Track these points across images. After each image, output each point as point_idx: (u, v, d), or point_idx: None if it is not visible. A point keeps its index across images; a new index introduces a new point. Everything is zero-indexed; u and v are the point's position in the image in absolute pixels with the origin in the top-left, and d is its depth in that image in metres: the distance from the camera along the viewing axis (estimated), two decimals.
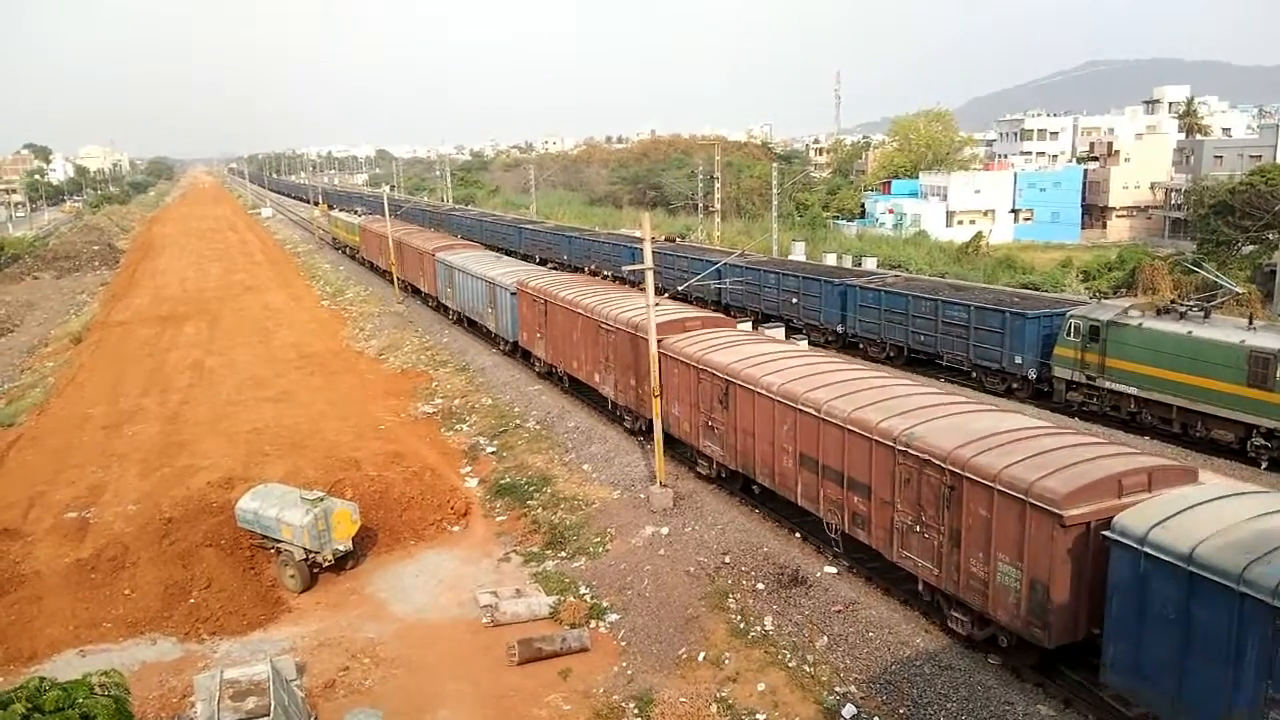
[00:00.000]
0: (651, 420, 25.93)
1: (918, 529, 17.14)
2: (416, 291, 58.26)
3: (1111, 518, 13.71)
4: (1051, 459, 15.30)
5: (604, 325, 30.02)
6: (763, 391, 21.44)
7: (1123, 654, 13.58)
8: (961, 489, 15.95)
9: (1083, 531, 14.21)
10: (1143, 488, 14.62)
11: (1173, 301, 28.45)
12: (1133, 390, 27.08)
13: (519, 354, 40.47)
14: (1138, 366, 26.79)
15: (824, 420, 19.31)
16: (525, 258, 64.32)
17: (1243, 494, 14.29)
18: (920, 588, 17.76)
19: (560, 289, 35.09)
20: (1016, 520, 14.95)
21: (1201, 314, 26.36)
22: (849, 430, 18.61)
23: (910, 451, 16.99)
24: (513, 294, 38.98)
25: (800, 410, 20.08)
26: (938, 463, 16.33)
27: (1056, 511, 14.17)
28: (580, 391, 34.23)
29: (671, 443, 26.24)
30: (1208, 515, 13.09)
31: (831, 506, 19.66)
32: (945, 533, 16.48)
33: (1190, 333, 25.46)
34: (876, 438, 17.82)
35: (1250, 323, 25.26)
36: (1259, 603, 11.50)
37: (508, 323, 40.23)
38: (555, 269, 56.04)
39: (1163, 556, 12.69)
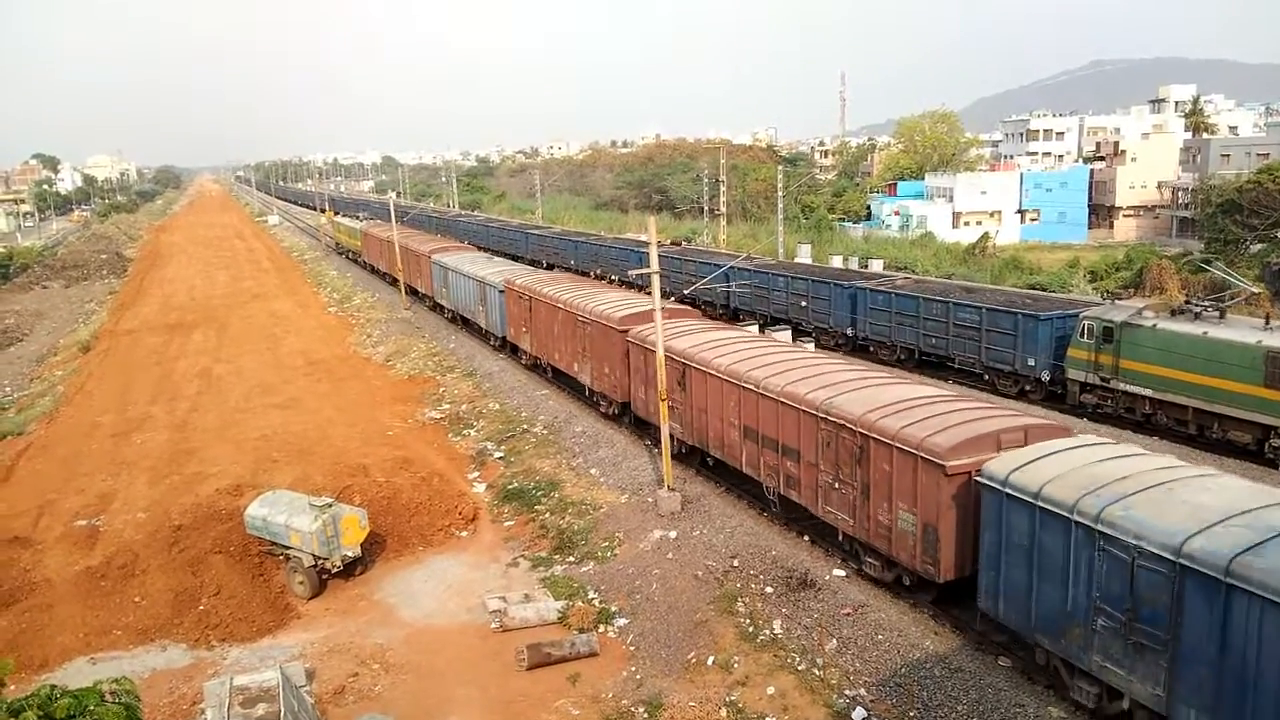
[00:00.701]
0: (627, 403, 29.30)
1: (837, 486, 19.58)
2: (416, 293, 59.53)
3: None
4: (943, 420, 17.67)
5: (581, 318, 32.46)
6: (712, 372, 24.00)
7: (992, 581, 16.02)
8: (869, 448, 18.31)
9: (965, 480, 16.47)
10: (1019, 443, 16.77)
11: (1187, 302, 28.00)
12: (1147, 392, 26.75)
13: (507, 348, 42.74)
14: (1152, 368, 26.47)
15: (762, 395, 21.77)
16: (533, 263, 64.40)
17: (1092, 444, 16.53)
18: (840, 538, 20.17)
19: (543, 286, 37.58)
20: (911, 473, 17.30)
21: (1217, 314, 26.00)
22: (782, 402, 21.09)
23: (830, 418, 19.44)
24: (501, 292, 41.40)
25: (743, 387, 22.59)
26: (851, 426, 18.79)
27: (941, 463, 16.54)
28: (562, 381, 36.49)
29: (640, 424, 29.43)
30: (1057, 461, 15.51)
31: (770, 471, 22.06)
32: (858, 487, 18.91)
33: (1206, 333, 25.12)
34: (804, 408, 20.29)
35: (1267, 323, 24.82)
36: (1086, 528, 13.95)
37: (497, 319, 42.56)
38: (562, 274, 56.52)
39: (1018, 495, 15.13)
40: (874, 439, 18.18)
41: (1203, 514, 13.12)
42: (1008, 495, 15.31)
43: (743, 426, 22.86)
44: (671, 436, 25.78)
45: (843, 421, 19.03)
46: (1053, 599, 14.77)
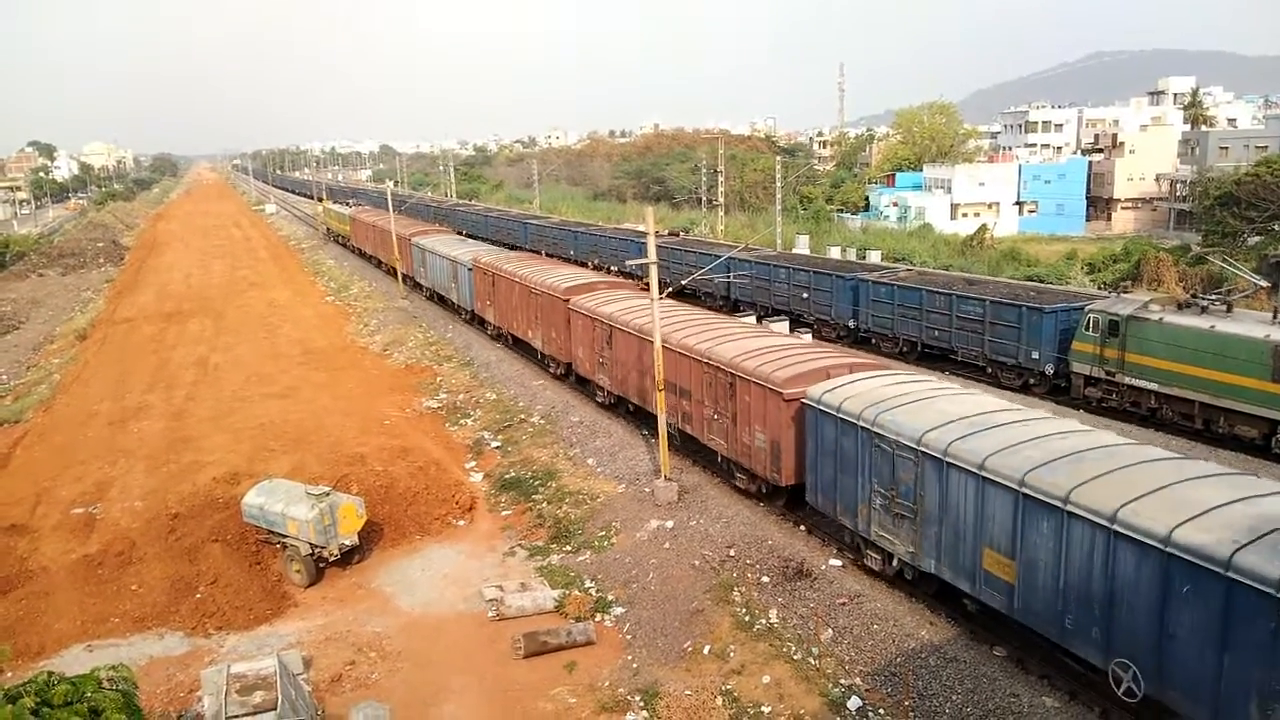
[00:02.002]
0: (570, 364, 34.00)
1: (715, 417, 24.22)
2: (395, 273, 62.69)
3: None
4: (789, 360, 22.40)
5: (533, 290, 37.15)
6: (631, 331, 28.57)
7: (814, 481, 20.56)
8: (736, 384, 22.96)
9: (799, 405, 20.81)
10: (844, 374, 21.22)
11: (1194, 296, 27.78)
12: (1153, 386, 26.53)
13: (475, 321, 47.56)
14: (1158, 362, 26.24)
15: (667, 348, 25.59)
16: (532, 253, 64.37)
17: (890, 374, 21.28)
18: (719, 460, 24.79)
19: (503, 264, 42.76)
20: (763, 401, 21.94)
21: (1224, 308, 25.77)
22: (680, 353, 25.56)
23: (710, 362, 24.10)
24: (469, 270, 46.30)
25: (652, 342, 25.73)
26: (724, 368, 23.42)
27: (780, 391, 21.24)
28: (521, 348, 41.06)
29: (581, 382, 33.78)
30: (860, 386, 19.97)
31: (671, 411, 26.20)
32: (729, 416, 23.47)
33: (1213, 327, 24.89)
34: (693, 356, 24.97)
35: (1275, 316, 24.59)
36: (867, 430, 18.45)
37: (466, 294, 47.57)
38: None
39: (827, 410, 19.58)
40: (739, 376, 22.82)
41: (943, 418, 17.45)
42: (821, 411, 19.78)
43: (652, 374, 26.25)
44: (603, 389, 31.16)
45: (719, 365, 23.67)
46: (850, 487, 19.28)
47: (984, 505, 15.82)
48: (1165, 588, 12.87)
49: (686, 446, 27.04)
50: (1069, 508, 14.20)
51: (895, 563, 18.48)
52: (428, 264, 55.12)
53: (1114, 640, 13.76)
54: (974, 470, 15.86)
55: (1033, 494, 14.80)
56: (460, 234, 73.26)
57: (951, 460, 16.35)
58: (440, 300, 54.15)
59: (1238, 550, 12.03)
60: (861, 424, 18.52)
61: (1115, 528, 13.48)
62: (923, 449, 16.96)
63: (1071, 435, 16.37)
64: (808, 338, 32.30)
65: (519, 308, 39.28)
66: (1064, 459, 15.16)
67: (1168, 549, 12.74)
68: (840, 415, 19.12)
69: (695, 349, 24.86)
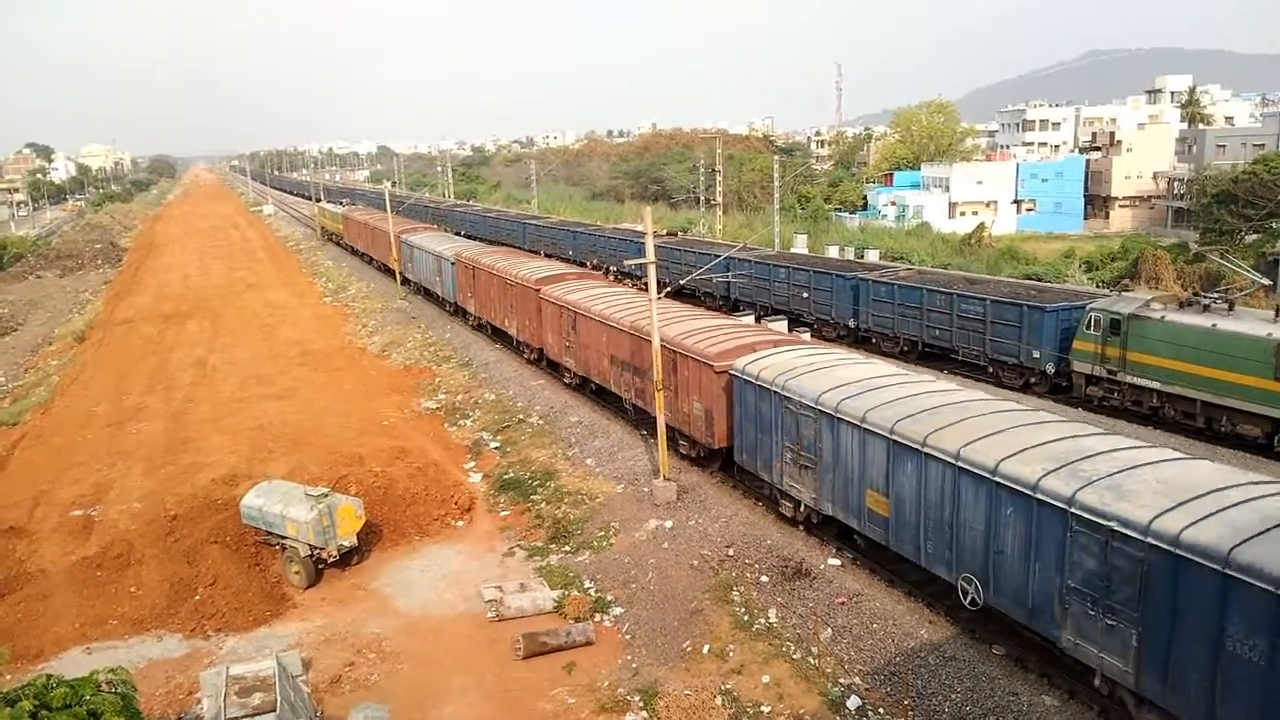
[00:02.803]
0: (541, 349, 36.91)
1: (676, 397, 26.22)
2: (388, 270, 65.28)
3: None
4: (721, 339, 25.07)
5: (508, 282, 40.08)
6: (594, 318, 30.97)
7: (740, 443, 23.30)
8: (678, 360, 25.51)
9: (728, 377, 23.34)
10: (770, 348, 23.75)
11: (1196, 294, 27.46)
12: (1155, 385, 26.40)
13: (459, 313, 49.76)
14: (1160, 360, 26.11)
15: (621, 330, 28.82)
16: (531, 253, 64.36)
17: (807, 348, 24.23)
18: (686, 449, 26.85)
19: (482, 258, 45.68)
20: (698, 374, 24.62)
21: (1225, 306, 25.62)
22: (633, 335, 28.15)
23: (682, 352, 25.70)
24: (452, 264, 49.02)
25: (610, 326, 29.69)
26: (669, 346, 25.59)
27: (712, 364, 23.86)
28: (499, 338, 43.87)
29: (552, 366, 36.56)
30: (778, 358, 22.56)
31: (627, 387, 29.30)
32: (674, 389, 25.93)
33: (1215, 326, 24.75)
34: (644, 336, 26.81)
35: (1277, 315, 24.45)
36: (779, 395, 21.04)
37: (450, 287, 50.17)
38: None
39: (750, 380, 22.23)
40: (679, 354, 25.38)
41: (838, 382, 20.22)
42: (745, 380, 22.46)
43: (610, 356, 30.09)
44: (569, 370, 34.07)
45: (664, 343, 25.60)
46: (768, 445, 21.91)
47: (865, 453, 18.63)
48: (994, 512, 15.62)
49: (580, 388, 32.63)
50: (925, 449, 16.94)
51: (803, 509, 21.19)
52: (415, 260, 57.89)
53: (960, 559, 16.56)
54: (857, 423, 18.67)
55: (899, 440, 17.54)
56: (459, 234, 73.60)
57: (840, 416, 19.17)
58: (427, 294, 56.46)
59: (1042, 477, 14.66)
60: (774, 389, 21.28)
61: (959, 464, 16.15)
62: (819, 408, 19.77)
63: (939, 394, 19.15)
64: (806, 336, 32.34)
65: (496, 299, 42.10)
66: (926, 411, 17.88)
67: (995, 479, 15.43)
68: (759, 383, 21.87)
69: (647, 331, 27.05)
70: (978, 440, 16.21)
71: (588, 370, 32.34)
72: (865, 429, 18.38)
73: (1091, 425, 17.72)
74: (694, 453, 26.19)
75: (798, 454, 20.73)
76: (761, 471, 22.45)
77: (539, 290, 36.20)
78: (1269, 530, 12.21)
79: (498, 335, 43.68)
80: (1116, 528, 13.34)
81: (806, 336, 32.28)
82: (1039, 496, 14.53)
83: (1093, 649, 14.04)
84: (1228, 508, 12.90)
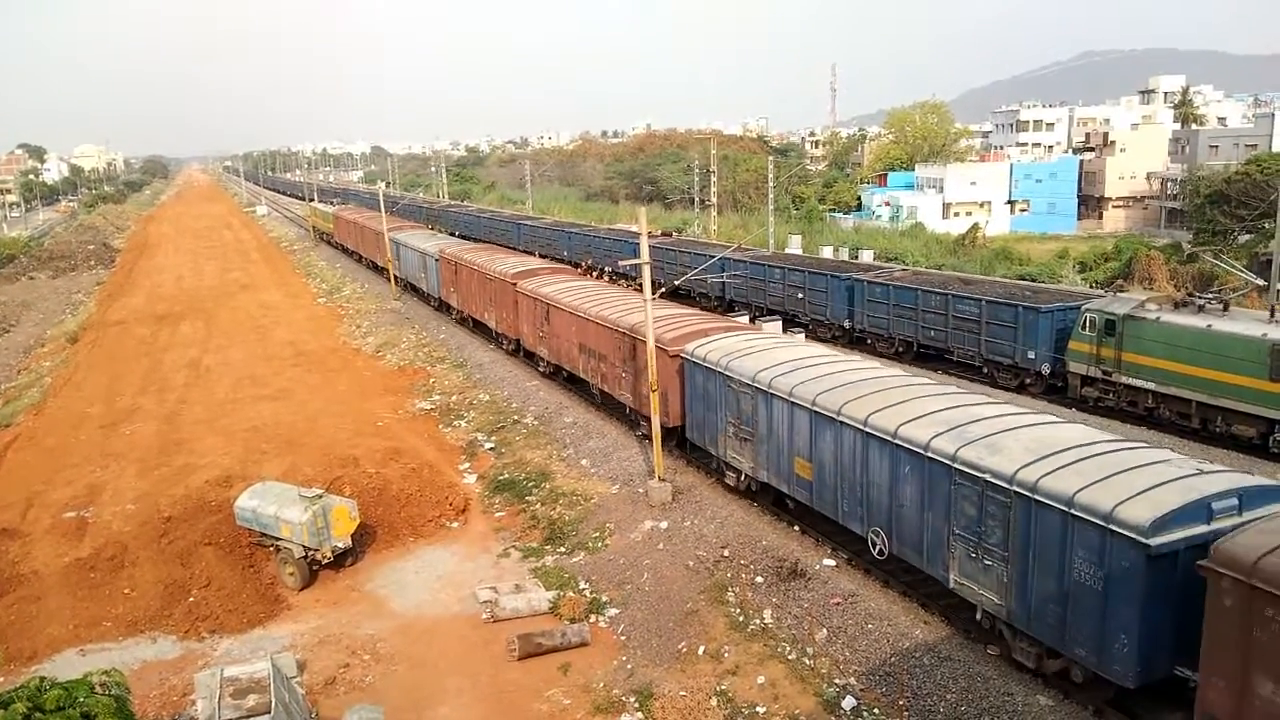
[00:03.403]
0: (518, 340, 39.07)
1: (624, 375, 28.89)
2: (377, 268, 67.92)
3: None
4: (678, 326, 27.21)
5: (487, 276, 42.40)
6: (565, 309, 33.22)
7: (690, 420, 25.59)
8: (636, 347, 27.24)
9: (681, 360, 25.38)
10: (720, 334, 25.90)
11: (1190, 295, 27.44)
12: (1150, 385, 26.36)
13: (443, 307, 51.95)
14: (1155, 361, 26.08)
15: (589, 320, 30.96)
16: (526, 253, 64.38)
17: (751, 334, 26.65)
18: (628, 411, 29.59)
19: (464, 254, 48.08)
20: (664, 363, 25.83)
21: (1220, 307, 25.61)
22: (600, 324, 30.21)
23: (619, 329, 28.74)
24: (436, 260, 51.17)
25: (579, 316, 31.92)
26: (627, 333, 28.04)
27: (667, 349, 25.81)
28: (480, 330, 45.74)
29: (529, 356, 38.82)
30: (724, 343, 24.67)
31: (594, 373, 31.41)
32: (633, 373, 28.02)
33: (1210, 326, 24.73)
34: (609, 326, 29.56)
35: (1272, 315, 24.44)
36: (724, 375, 23.19)
37: (434, 282, 52.47)
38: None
39: (699, 361, 24.46)
40: (637, 340, 27.01)
41: (773, 362, 22.30)
42: (694, 363, 24.65)
43: (579, 344, 32.26)
44: (543, 359, 36.32)
45: (624, 331, 28.35)
46: (714, 421, 24.06)
47: (793, 423, 20.73)
48: (895, 471, 17.68)
49: (554, 375, 35.04)
50: (840, 418, 19.04)
51: (744, 478, 23.40)
52: (402, 257, 59.97)
53: (869, 515, 18.68)
54: (786, 397, 20.73)
55: (820, 410, 19.71)
56: (453, 234, 73.67)
57: (773, 392, 21.23)
58: (413, 289, 58.39)
59: (933, 438, 16.77)
60: (719, 369, 23.40)
61: (866, 429, 18.27)
62: (755, 385, 21.83)
63: (859, 370, 21.48)
64: (800, 337, 32.36)
65: (477, 293, 44.49)
66: (844, 385, 19.95)
67: (895, 441, 17.51)
68: (706, 364, 24.02)
69: (609, 319, 29.76)
70: (884, 409, 18.36)
71: (560, 358, 34.55)
72: (793, 402, 20.57)
73: (988, 396, 21.30)
74: (647, 430, 27.48)
75: (739, 427, 22.93)
76: (709, 445, 24.66)
77: (515, 284, 38.23)
78: (1109, 477, 14.26)
79: (483, 332, 44.38)
80: (989, 479, 15.43)
81: (800, 337, 32.26)
82: (929, 455, 16.66)
83: (974, 587, 16.14)
84: (1082, 460, 14.98)
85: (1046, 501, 14.39)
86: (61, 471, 30.41)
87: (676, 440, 26.79)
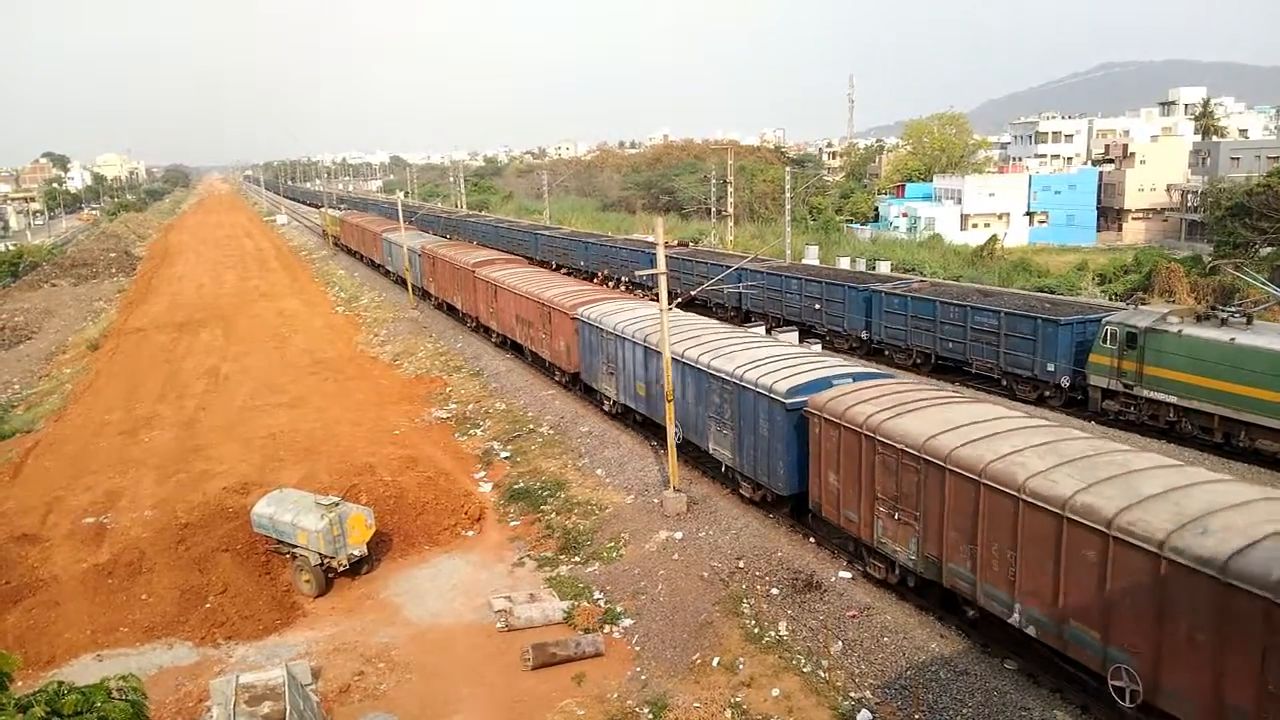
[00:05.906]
0: (476, 318, 47.83)
1: (545, 337, 36.60)
2: (375, 265, 77.04)
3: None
4: (575, 296, 35.23)
5: (456, 266, 50.71)
6: (505, 287, 41.92)
7: (584, 367, 33.32)
8: (551, 313, 35.50)
9: (575, 321, 33.15)
10: (601, 301, 33.81)
11: (1213, 307, 27.12)
12: (1172, 399, 26.07)
13: (426, 296, 59.37)
14: (1177, 374, 25.79)
15: (522, 296, 39.27)
16: (542, 263, 64.67)
17: (621, 300, 34.51)
18: (546, 364, 37.89)
19: (440, 250, 56.64)
20: (561, 321, 34.67)
21: (1244, 320, 25.31)
22: (527, 298, 38.51)
23: (541, 301, 36.66)
24: (419, 255, 59.30)
25: (515, 294, 40.37)
26: (547, 305, 36.01)
27: (567, 313, 33.77)
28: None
29: (484, 330, 47.29)
30: (605, 305, 32.71)
31: (527, 338, 39.54)
32: (550, 333, 35.78)
33: (1233, 340, 24.44)
34: (534, 299, 37.76)
35: None
36: (599, 328, 31.07)
37: (418, 275, 60.27)
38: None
39: (587, 321, 32.24)
40: (552, 308, 35.41)
41: (629, 318, 30.36)
42: (584, 322, 32.57)
43: (515, 316, 40.62)
44: (494, 333, 44.99)
45: (544, 302, 36.29)
46: (597, 364, 31.90)
47: (634, 357, 29.00)
48: (683, 380, 25.74)
49: (512, 348, 42.87)
50: (655, 348, 26.29)
51: (612, 403, 31.54)
52: (392, 253, 68.24)
53: (676, 416, 25.39)
54: (631, 339, 29.08)
55: (647, 345, 27.75)
56: (471, 243, 74.18)
57: (623, 335, 29.50)
58: (401, 283, 63.97)
59: (714, 360, 24.43)
60: (597, 324, 31.47)
61: (672, 355, 25.14)
62: (615, 333, 29.85)
63: (684, 320, 29.87)
64: (817, 347, 32.25)
65: (451, 282, 52.39)
66: (673, 328, 26.12)
67: (708, 370, 24.55)
68: (591, 323, 31.93)
69: (535, 294, 37.83)
70: (682, 340, 26.29)
71: (505, 329, 43.03)
72: (633, 342, 28.57)
73: (760, 336, 29.79)
74: (563, 379, 36.52)
75: (609, 366, 30.77)
76: (594, 383, 32.75)
77: (474, 271, 46.89)
78: (780, 369, 22.57)
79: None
80: (723, 376, 23.76)
81: (817, 347, 32.14)
82: (699, 368, 24.94)
83: (724, 450, 24.31)
84: (774, 360, 23.44)
85: (747, 386, 22.76)
86: (81, 478, 30.65)
87: (581, 386, 34.56)
